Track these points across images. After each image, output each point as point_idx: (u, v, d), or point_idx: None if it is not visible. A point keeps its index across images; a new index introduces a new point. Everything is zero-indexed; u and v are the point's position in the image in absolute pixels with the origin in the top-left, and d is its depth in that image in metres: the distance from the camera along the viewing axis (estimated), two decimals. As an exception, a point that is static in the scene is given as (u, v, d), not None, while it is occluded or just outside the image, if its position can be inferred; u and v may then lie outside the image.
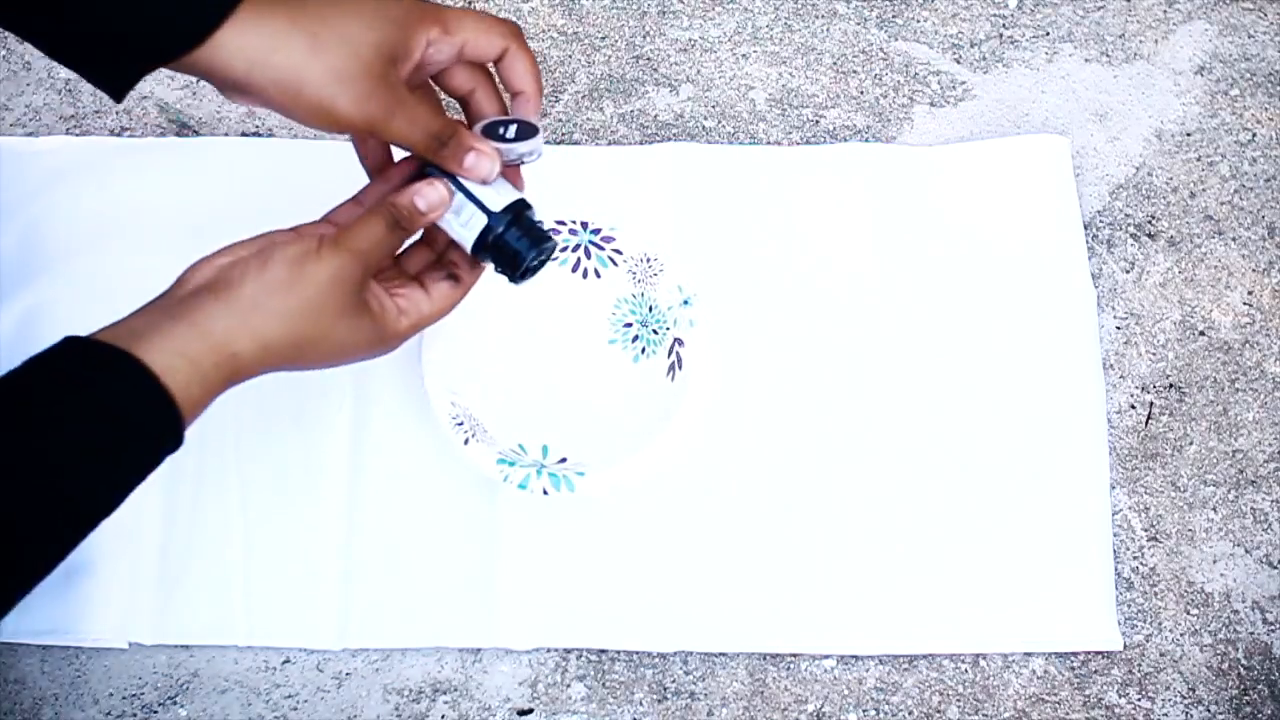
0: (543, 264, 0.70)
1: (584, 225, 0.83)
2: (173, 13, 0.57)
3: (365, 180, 0.70)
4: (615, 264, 0.84)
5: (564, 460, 0.80)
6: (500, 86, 0.69)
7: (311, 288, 0.60)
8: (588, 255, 0.84)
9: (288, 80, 0.59)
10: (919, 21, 0.95)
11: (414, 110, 0.62)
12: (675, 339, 0.82)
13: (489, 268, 0.69)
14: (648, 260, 0.83)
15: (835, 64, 0.94)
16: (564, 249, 0.84)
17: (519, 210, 0.67)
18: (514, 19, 0.95)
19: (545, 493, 0.77)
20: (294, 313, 0.60)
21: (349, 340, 0.63)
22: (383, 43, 0.60)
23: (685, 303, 0.82)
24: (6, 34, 0.94)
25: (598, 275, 0.84)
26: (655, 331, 0.83)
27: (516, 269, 0.68)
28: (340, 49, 0.59)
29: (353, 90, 0.59)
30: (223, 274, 0.61)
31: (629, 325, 0.84)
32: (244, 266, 0.60)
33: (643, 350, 0.84)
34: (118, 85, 0.60)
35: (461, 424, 0.78)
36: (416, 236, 0.67)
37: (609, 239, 0.83)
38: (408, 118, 0.61)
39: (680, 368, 0.81)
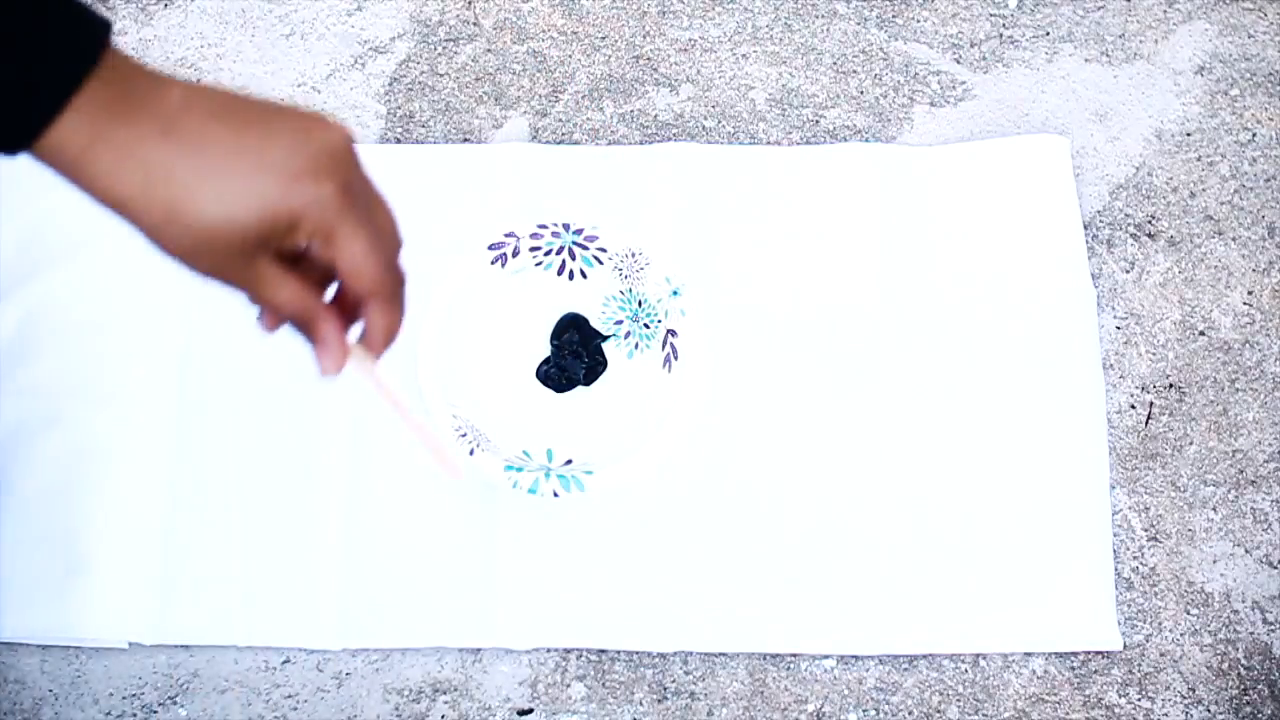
0: None
1: (566, 227, 0.83)
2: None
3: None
4: (600, 263, 0.83)
5: (569, 462, 0.80)
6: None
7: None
8: (572, 257, 0.84)
9: (153, 220, 0.49)
10: (919, 21, 0.95)
11: (271, 287, 0.53)
12: (668, 330, 0.82)
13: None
14: (633, 255, 0.83)
15: (835, 64, 0.94)
16: (548, 252, 0.84)
17: None
18: (514, 19, 0.95)
19: (556, 495, 0.77)
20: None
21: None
22: (259, 232, 0.50)
23: (674, 293, 0.82)
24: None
25: (584, 276, 0.84)
26: (647, 325, 0.83)
27: None
28: (205, 226, 0.49)
29: (209, 259, 0.50)
30: None
31: (620, 322, 0.84)
32: None
33: (636, 345, 0.84)
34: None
35: (465, 435, 0.78)
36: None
37: (592, 238, 0.83)
38: (265, 292, 0.53)
39: (676, 358, 0.81)
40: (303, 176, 0.50)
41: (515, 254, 0.83)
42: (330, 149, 0.51)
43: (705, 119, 0.92)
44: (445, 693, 0.78)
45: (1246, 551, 0.82)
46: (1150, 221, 0.90)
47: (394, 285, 0.55)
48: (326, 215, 0.51)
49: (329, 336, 0.55)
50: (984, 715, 0.78)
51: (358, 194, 0.52)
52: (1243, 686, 0.79)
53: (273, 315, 0.55)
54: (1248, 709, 0.78)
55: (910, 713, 0.78)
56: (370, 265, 0.53)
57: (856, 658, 0.79)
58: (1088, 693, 0.78)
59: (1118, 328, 0.87)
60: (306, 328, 0.55)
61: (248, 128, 0.50)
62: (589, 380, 0.83)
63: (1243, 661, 0.80)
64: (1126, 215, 0.90)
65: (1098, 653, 0.79)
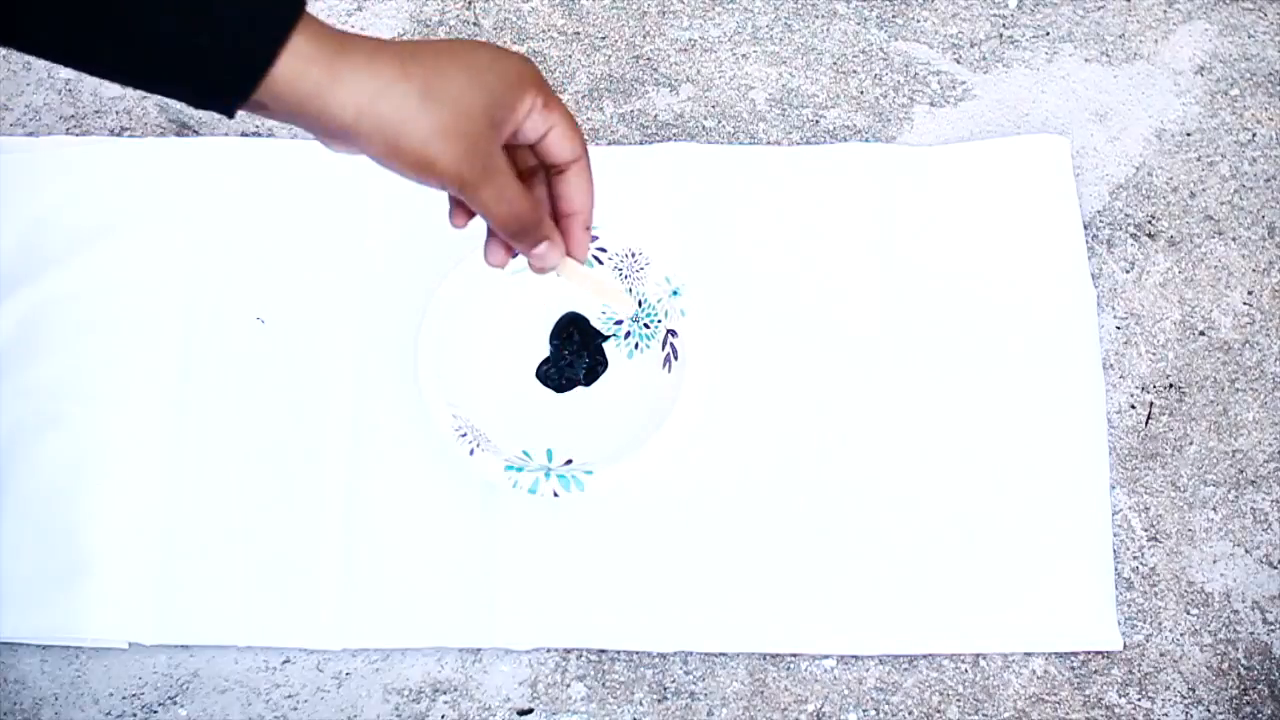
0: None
1: None
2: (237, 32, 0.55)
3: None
4: (600, 262, 0.83)
5: (569, 462, 0.80)
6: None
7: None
8: None
9: (392, 129, 0.58)
10: (919, 21, 0.95)
11: (505, 182, 0.61)
12: (669, 330, 0.82)
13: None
14: (633, 255, 0.83)
15: (835, 64, 0.94)
16: None
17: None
18: (514, 19, 0.95)
19: (556, 495, 0.77)
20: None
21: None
22: (490, 104, 0.59)
23: (674, 293, 0.82)
24: (6, 34, 0.94)
25: None
26: (647, 325, 0.83)
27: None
28: (448, 105, 0.58)
29: (455, 148, 0.58)
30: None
31: (620, 322, 0.84)
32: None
33: (636, 345, 0.84)
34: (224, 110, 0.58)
35: (465, 435, 0.78)
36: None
37: (592, 238, 0.83)
38: (497, 188, 0.60)
39: (676, 358, 0.81)
40: (519, 63, 0.61)
41: (515, 254, 0.83)
42: (523, 59, 0.62)
43: (705, 119, 0.92)
44: (445, 693, 0.78)
45: (1246, 551, 0.82)
46: (1150, 221, 0.90)
47: (586, 148, 0.64)
48: (543, 90, 0.61)
49: (553, 231, 0.64)
50: (984, 715, 0.78)
51: None
52: (1243, 686, 0.79)
53: (463, 214, 0.64)
54: (1248, 709, 0.78)
55: (910, 713, 0.78)
56: (576, 129, 0.63)
57: (856, 658, 0.79)
58: (1088, 693, 0.78)
59: (1118, 328, 0.87)
60: (529, 226, 0.63)
61: (445, 46, 0.59)
62: (589, 380, 0.83)
63: (1243, 661, 0.80)
64: (1126, 215, 0.90)
65: (1098, 653, 0.79)
